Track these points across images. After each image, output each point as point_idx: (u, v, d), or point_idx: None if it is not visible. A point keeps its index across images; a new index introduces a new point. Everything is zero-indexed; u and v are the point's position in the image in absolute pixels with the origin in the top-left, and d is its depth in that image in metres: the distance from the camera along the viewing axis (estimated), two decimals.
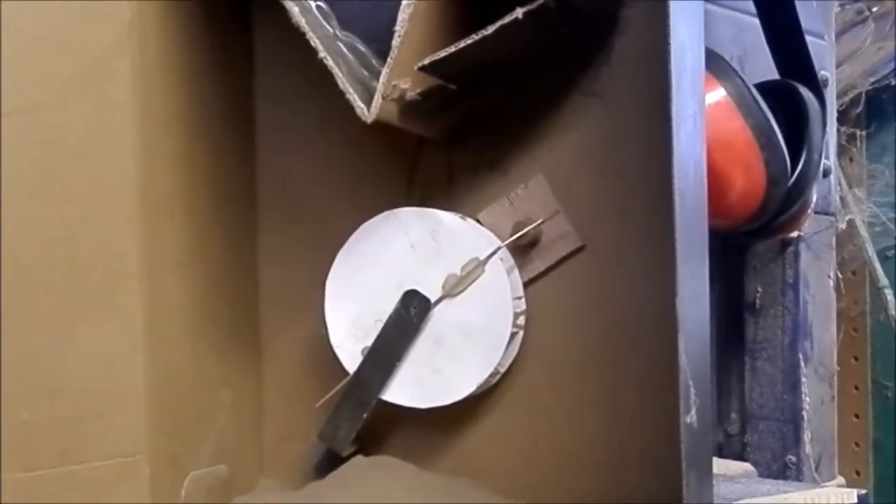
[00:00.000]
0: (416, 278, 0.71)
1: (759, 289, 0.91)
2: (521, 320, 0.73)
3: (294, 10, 0.65)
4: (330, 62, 0.64)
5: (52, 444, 0.63)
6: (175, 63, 0.70)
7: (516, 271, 0.73)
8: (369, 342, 0.72)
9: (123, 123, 0.65)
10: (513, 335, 0.71)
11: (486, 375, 0.70)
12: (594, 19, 0.70)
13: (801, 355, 0.90)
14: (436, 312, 0.71)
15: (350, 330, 0.73)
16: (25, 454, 0.63)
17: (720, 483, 0.76)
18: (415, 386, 0.71)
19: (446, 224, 0.71)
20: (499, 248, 0.71)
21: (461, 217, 0.72)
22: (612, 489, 0.72)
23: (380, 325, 0.71)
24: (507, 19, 0.61)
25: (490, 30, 0.61)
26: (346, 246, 0.72)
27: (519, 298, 0.72)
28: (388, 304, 0.71)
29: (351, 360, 0.72)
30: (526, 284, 0.73)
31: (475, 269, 0.70)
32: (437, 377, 0.71)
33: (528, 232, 0.72)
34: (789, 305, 0.90)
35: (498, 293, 0.70)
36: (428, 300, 0.70)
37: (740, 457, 0.92)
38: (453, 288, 0.70)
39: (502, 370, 0.73)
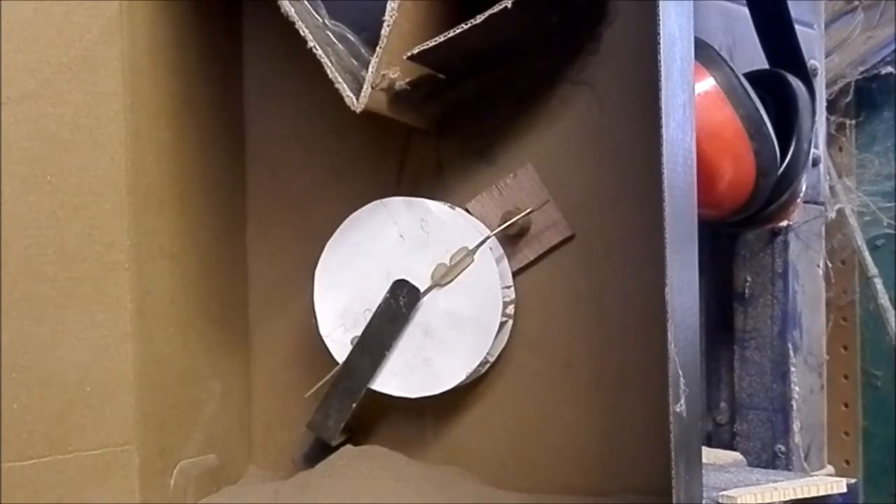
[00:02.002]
0: (405, 268, 0.71)
1: (749, 278, 0.92)
2: (511, 310, 0.73)
3: None
4: (319, 51, 0.64)
5: (43, 433, 0.64)
6: (164, 53, 0.70)
7: (505, 261, 0.73)
8: (358, 332, 0.72)
9: (113, 113, 0.65)
10: (502, 324, 0.71)
11: (475, 365, 0.70)
12: (583, 8, 0.70)
13: (790, 345, 0.90)
14: (425, 302, 0.71)
15: (339, 319, 0.73)
16: (16, 443, 0.63)
17: (709, 472, 0.76)
18: (404, 375, 0.71)
19: (435, 213, 0.71)
20: (488, 238, 0.71)
21: (450, 206, 0.72)
22: (602, 478, 0.72)
23: (369, 315, 0.71)
24: (496, 8, 0.61)
25: (479, 19, 0.61)
26: (335, 235, 0.72)
27: (508, 288, 0.72)
28: (377, 294, 0.71)
29: (340, 349, 0.72)
30: (515, 274, 0.73)
31: (464, 258, 0.70)
32: (426, 367, 0.71)
33: (517, 221, 0.72)
34: (778, 295, 0.91)
35: (487, 282, 0.70)
36: (417, 290, 0.70)
37: (729, 446, 0.92)
38: (442, 277, 0.70)
39: (491, 360, 0.73)
